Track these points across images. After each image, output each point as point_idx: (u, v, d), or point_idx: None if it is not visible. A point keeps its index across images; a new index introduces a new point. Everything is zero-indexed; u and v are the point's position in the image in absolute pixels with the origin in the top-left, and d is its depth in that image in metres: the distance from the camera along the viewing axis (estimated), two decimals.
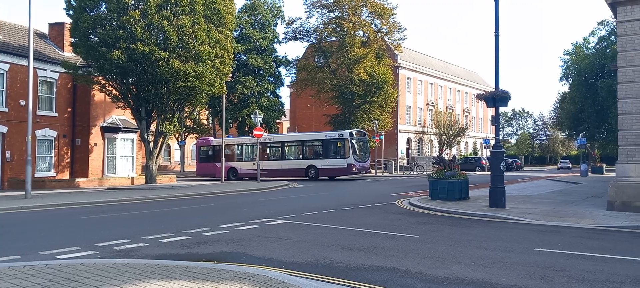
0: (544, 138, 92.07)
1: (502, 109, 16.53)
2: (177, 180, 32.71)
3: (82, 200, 17.67)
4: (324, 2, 45.47)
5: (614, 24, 19.69)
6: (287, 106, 64.73)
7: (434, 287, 6.10)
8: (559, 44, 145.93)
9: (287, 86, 57.24)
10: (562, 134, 67.27)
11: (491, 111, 15.76)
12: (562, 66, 47.49)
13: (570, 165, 62.49)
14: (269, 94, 47.63)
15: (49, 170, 27.62)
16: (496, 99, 14.53)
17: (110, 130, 29.51)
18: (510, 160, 56.06)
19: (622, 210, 13.17)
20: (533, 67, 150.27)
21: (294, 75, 50.41)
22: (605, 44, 40.76)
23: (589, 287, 6.10)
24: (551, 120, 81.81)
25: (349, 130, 33.94)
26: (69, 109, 28.44)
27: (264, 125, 43.21)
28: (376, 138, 41.59)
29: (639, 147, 13.21)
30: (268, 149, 36.35)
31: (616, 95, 14.03)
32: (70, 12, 24.81)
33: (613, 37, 36.70)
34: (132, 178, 29.41)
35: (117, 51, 23.19)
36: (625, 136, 13.48)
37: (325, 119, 45.52)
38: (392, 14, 45.64)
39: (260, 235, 9.84)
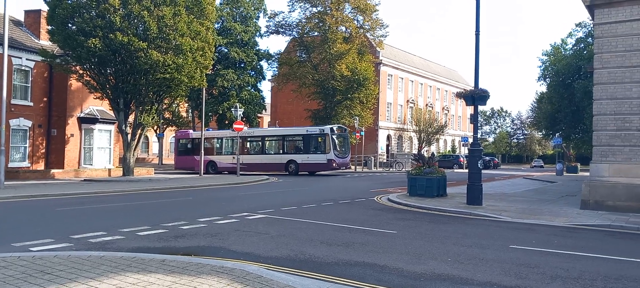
0: (522, 137, 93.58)
1: (481, 108, 16.76)
2: (155, 173, 32.32)
3: (57, 192, 17.35)
4: None
5: (591, 25, 20.09)
6: (268, 100, 64.43)
7: (411, 282, 6.16)
8: (538, 44, 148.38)
9: (269, 80, 57.04)
10: (539, 133, 68.46)
11: (470, 110, 15.93)
12: (540, 66, 48.29)
13: (542, 165, 63.93)
14: (250, 88, 47.34)
15: (23, 160, 27.03)
16: (475, 97, 14.68)
17: (88, 121, 28.99)
18: (487, 158, 56.88)
19: (595, 209, 13.47)
20: (512, 67, 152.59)
21: (276, 69, 50.22)
22: (582, 45, 41.52)
23: (562, 283, 6.23)
24: (529, 120, 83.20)
25: (330, 126, 33.97)
26: (45, 99, 27.84)
27: (244, 119, 42.95)
28: (357, 134, 41.75)
29: (613, 148, 13.52)
30: (248, 143, 36.17)
31: (592, 96, 14.32)
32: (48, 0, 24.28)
33: (590, 39, 37.43)
34: (109, 170, 28.97)
35: (94, 39, 22.76)
36: (600, 136, 13.77)
37: (306, 114, 45.50)
38: (375, 11, 45.79)
39: (239, 230, 9.80)
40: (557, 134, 45.06)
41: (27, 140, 27.15)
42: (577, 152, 52.93)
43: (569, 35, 45.38)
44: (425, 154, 34.75)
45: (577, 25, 43.55)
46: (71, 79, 27.04)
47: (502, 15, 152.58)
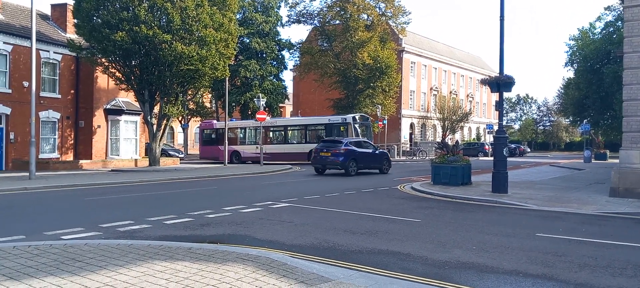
0: (548, 124, 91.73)
1: (506, 95, 16.51)
2: (181, 163, 32.81)
3: (86, 182, 17.76)
4: None
5: (621, 9, 19.50)
6: (290, 90, 64.55)
7: (435, 270, 6.13)
8: (564, 29, 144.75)
9: (291, 70, 57.11)
10: (566, 120, 66.94)
11: (495, 96, 15.71)
12: (567, 52, 47.10)
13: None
14: (272, 78, 47.51)
15: (53, 151, 27.73)
16: (500, 84, 14.45)
17: (114, 112, 29.55)
18: (513, 145, 55.92)
19: (624, 196, 13.17)
20: (538, 53, 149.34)
21: (297, 59, 50.21)
22: (611, 29, 40.36)
23: (590, 272, 6.12)
24: (555, 106, 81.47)
25: (352, 115, 33.86)
26: (72, 91, 28.45)
27: (267, 108, 43.17)
28: (379, 123, 41.54)
29: None
30: (271, 133, 36.35)
31: (621, 81, 13.94)
32: None
33: (619, 22, 36.33)
34: (136, 160, 29.51)
35: (120, 33, 23.10)
36: (630, 122, 13.42)
37: (328, 103, 45.43)
38: None
39: (263, 218, 9.89)
40: (585, 121, 44.01)
41: (56, 132, 27.82)
42: (605, 138, 51.60)
43: (598, 19, 44.10)
44: (450, 142, 34.42)
45: (606, 8, 42.33)
46: (97, 71, 27.55)
47: (529, 0, 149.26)
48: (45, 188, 15.93)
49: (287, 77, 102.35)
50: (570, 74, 50.05)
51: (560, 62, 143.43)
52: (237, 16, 40.33)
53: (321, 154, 22.52)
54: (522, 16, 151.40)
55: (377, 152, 24.46)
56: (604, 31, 41.87)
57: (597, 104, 40.57)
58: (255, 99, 34.90)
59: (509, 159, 15.43)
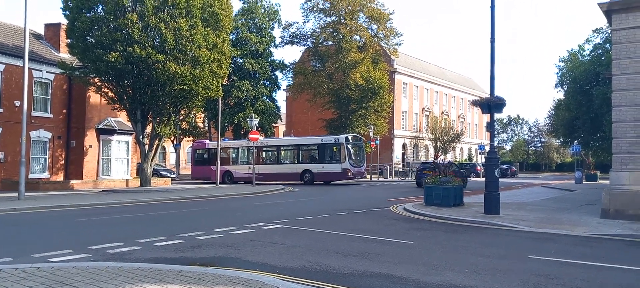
0: (539, 145, 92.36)
1: (497, 116, 16.63)
2: (172, 183, 32.61)
3: (76, 203, 17.58)
4: (321, 7, 45.56)
5: (609, 31, 19.83)
6: (283, 110, 64.67)
7: None
8: (554, 50, 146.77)
9: (284, 90, 57.27)
10: (557, 141, 67.39)
11: (486, 117, 15.81)
12: (557, 73, 47.57)
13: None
14: (265, 98, 47.58)
15: (43, 171, 27.49)
16: (491, 105, 14.57)
17: (106, 132, 29.42)
18: (505, 166, 56.15)
19: (615, 218, 13.22)
20: (528, 74, 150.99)
21: (291, 79, 50.42)
22: (600, 51, 40.88)
23: None
24: (546, 127, 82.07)
25: (345, 135, 33.94)
26: (64, 111, 28.34)
27: (259, 129, 43.11)
28: (372, 143, 41.64)
29: (633, 155, 13.27)
30: (264, 153, 36.31)
31: (611, 102, 14.10)
32: (67, 12, 24.68)
33: (608, 44, 36.88)
34: (127, 180, 29.31)
35: (114, 53, 23.13)
36: (619, 144, 13.54)
37: (321, 124, 45.54)
38: (389, 19, 45.78)
39: (255, 240, 9.82)
40: (576, 142, 44.34)
41: (47, 152, 27.63)
42: (596, 159, 51.95)
43: (586, 41, 44.65)
44: (442, 162, 34.54)
45: (594, 31, 42.86)
46: (90, 90, 27.49)
47: (518, 22, 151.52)
48: (34, 209, 15.73)
49: (280, 97, 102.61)
50: (560, 95, 50.51)
51: (550, 83, 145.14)
52: (231, 36, 40.52)
53: (424, 171, 28.23)
54: (513, 38, 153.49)
55: (461, 170, 30.51)
56: (593, 53, 42.40)
57: (587, 125, 40.90)
58: (248, 119, 34.89)
59: (500, 180, 15.48)
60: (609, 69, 14.46)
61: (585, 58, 44.11)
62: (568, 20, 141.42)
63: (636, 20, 13.30)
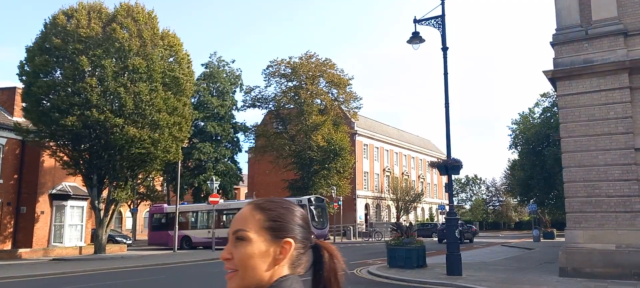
0: (497, 204, 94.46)
1: (455, 176, 17.02)
2: (128, 250, 31.34)
3: (23, 273, 16.57)
4: (282, 72, 46.51)
5: (555, 96, 20.98)
6: (245, 172, 64.22)
7: None
8: (508, 113, 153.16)
9: (246, 152, 57.11)
10: (514, 199, 69.20)
11: (445, 178, 16.19)
12: (510, 135, 49.62)
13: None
14: (226, 160, 47.25)
15: None
16: (448, 167, 14.94)
17: (60, 197, 28.29)
18: (467, 225, 56.82)
19: (573, 276, 13.47)
20: (484, 136, 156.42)
21: (253, 141, 50.47)
22: (548, 114, 43.05)
23: None
24: (503, 187, 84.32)
25: (308, 197, 33.81)
26: (15, 176, 27.22)
27: (220, 191, 42.52)
28: (334, 204, 41.61)
29: (585, 214, 13.74)
30: (224, 216, 35.59)
31: (561, 163, 14.71)
32: (23, 77, 24.29)
33: (555, 108, 38.90)
34: (81, 248, 28.00)
35: (71, 117, 22.67)
36: (572, 203, 14.02)
37: (283, 185, 45.36)
38: (348, 84, 47.08)
39: None
40: (532, 200, 45.66)
41: None
42: (552, 217, 53.47)
43: (536, 105, 47.06)
44: (404, 223, 34.71)
45: (542, 95, 45.31)
46: (44, 155, 26.63)
47: (474, 87, 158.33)
48: None
49: (242, 159, 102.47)
50: (515, 155, 52.36)
51: (505, 144, 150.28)
52: (193, 100, 40.59)
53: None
54: (468, 101, 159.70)
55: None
56: (543, 116, 44.59)
57: (541, 184, 42.33)
58: (208, 182, 34.41)
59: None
60: (558, 131, 15.19)
61: (535, 120, 46.20)
62: (521, 84, 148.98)
63: (578, 87, 14.15)
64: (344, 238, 43.76)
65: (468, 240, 39.70)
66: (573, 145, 14.10)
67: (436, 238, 44.39)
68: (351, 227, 46.91)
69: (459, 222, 50.37)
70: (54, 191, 28.10)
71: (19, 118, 27.67)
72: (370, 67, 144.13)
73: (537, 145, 42.71)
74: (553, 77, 14.60)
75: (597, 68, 13.87)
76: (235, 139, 48.96)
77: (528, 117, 47.92)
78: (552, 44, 14.82)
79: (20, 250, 25.37)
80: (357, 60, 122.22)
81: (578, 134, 14.04)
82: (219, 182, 34.98)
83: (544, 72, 14.77)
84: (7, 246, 26.62)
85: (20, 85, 25.44)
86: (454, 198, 15.87)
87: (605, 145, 13.70)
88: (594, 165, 13.76)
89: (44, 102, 24.03)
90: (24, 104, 24.87)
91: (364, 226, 54.26)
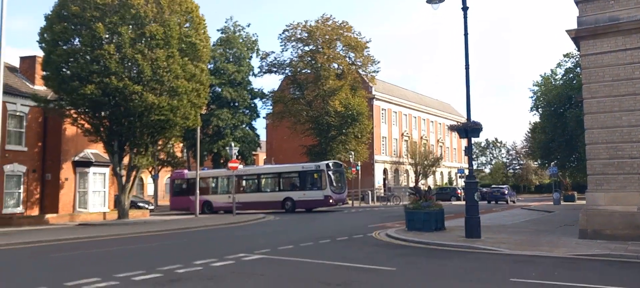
0: (518, 167, 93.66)
1: (475, 139, 16.86)
2: (151, 215, 32.06)
3: (52, 238, 17.12)
4: (299, 36, 46.13)
5: (579, 56, 20.44)
6: (263, 138, 64.64)
7: None
8: (529, 74, 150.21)
9: (263, 118, 57.33)
10: (535, 163, 68.49)
11: (464, 142, 16.05)
12: (531, 97, 48.66)
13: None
14: (244, 126, 47.54)
15: (17, 206, 26.79)
16: (468, 130, 14.78)
17: (82, 164, 28.90)
18: (484, 189, 56.39)
19: (593, 238, 13.41)
20: (505, 98, 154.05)
21: (270, 107, 50.58)
22: (571, 75, 42.06)
23: None
24: (524, 150, 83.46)
25: (326, 162, 33.96)
26: (39, 144, 27.81)
27: (239, 157, 42.91)
28: (353, 169, 41.75)
29: (607, 176, 13.56)
30: (244, 182, 36.05)
31: (584, 125, 14.45)
32: (43, 45, 24.49)
33: (578, 69, 37.98)
34: (104, 213, 28.72)
35: (90, 85, 22.90)
36: (593, 165, 13.83)
37: (301, 150, 45.60)
38: (366, 48, 46.54)
39: (235, 272, 9.67)
40: (553, 163, 45.14)
41: (21, 186, 26.98)
42: (573, 180, 52.85)
43: (558, 66, 45.96)
44: (423, 187, 34.75)
45: (565, 55, 44.17)
46: (65, 123, 27.09)
47: (493, 47, 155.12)
48: (7, 246, 15.26)
49: (260, 125, 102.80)
50: (536, 118, 51.53)
51: (526, 106, 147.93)
52: (209, 66, 40.64)
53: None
54: (488, 63, 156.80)
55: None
56: (565, 77, 43.59)
57: (563, 147, 41.75)
58: (227, 148, 34.74)
59: (482, 203, 15.63)
60: (581, 92, 14.86)
61: (557, 82, 45.23)
62: (542, 45, 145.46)
63: (603, 46, 13.75)
64: (362, 202, 44.03)
65: (505, 202, 44.33)
66: (596, 107, 13.81)
67: (456, 202, 44.42)
68: (369, 192, 47.13)
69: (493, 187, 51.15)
70: (76, 158, 28.70)
71: (40, 86, 28.09)
72: (388, 33, 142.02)
73: (558, 107, 41.93)
74: (576, 36, 14.20)
75: (623, 26, 13.44)
76: (252, 105, 49.11)
77: (550, 79, 46.90)
78: (576, 2, 14.36)
79: (47, 216, 26.13)
80: (374, 27, 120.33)
81: (601, 95, 13.73)
82: (237, 148, 35.29)
83: (567, 31, 14.37)
84: (35, 212, 27.43)
85: (41, 53, 25.70)
86: (473, 162, 15.75)
87: (629, 105, 13.39)
88: (617, 127, 13.49)
89: (64, 69, 24.26)
90: (44, 73, 25.16)
91: (382, 191, 54.47)
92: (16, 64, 30.29)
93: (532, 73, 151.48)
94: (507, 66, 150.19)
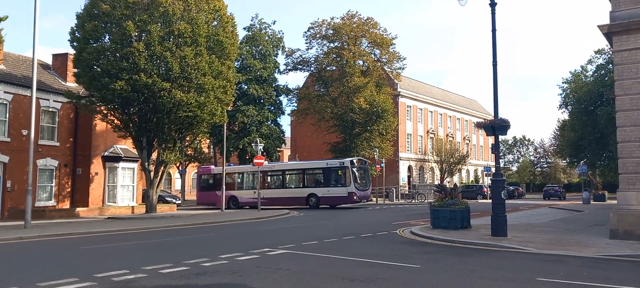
0: (545, 165, 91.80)
1: (502, 137, 16.65)
2: (178, 209, 32.61)
3: (82, 230, 17.59)
4: (324, 34, 46.13)
5: (611, 52, 19.92)
6: (288, 134, 64.87)
7: None
8: (558, 72, 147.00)
9: (288, 115, 57.57)
10: (563, 161, 67.06)
11: (491, 139, 15.84)
12: (561, 94, 47.69)
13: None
14: (269, 123, 47.82)
15: (50, 199, 27.60)
16: (495, 127, 14.59)
17: (112, 159, 29.59)
18: (511, 187, 55.74)
19: (624, 238, 13.09)
20: (533, 95, 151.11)
21: (295, 104, 50.75)
22: (603, 72, 41.03)
23: None
24: (552, 148, 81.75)
25: (350, 158, 33.95)
26: (71, 139, 28.57)
27: (264, 153, 43.24)
28: (377, 166, 41.59)
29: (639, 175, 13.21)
30: (269, 177, 36.32)
31: (615, 122, 14.10)
32: (75, 43, 25.14)
33: (610, 65, 37.01)
34: (133, 207, 29.34)
35: (120, 82, 23.40)
36: (626, 164, 13.49)
37: (326, 147, 45.64)
38: (392, 44, 46.26)
39: (260, 266, 9.78)
40: (582, 162, 44.14)
41: (53, 180, 27.77)
42: (603, 179, 51.61)
43: (589, 62, 44.89)
44: (448, 185, 34.42)
45: (596, 52, 43.14)
46: (96, 118, 27.75)
47: (522, 45, 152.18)
48: (40, 238, 15.76)
49: (285, 121, 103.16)
50: (565, 116, 50.46)
51: (554, 104, 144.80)
52: (236, 63, 40.98)
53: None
54: (516, 60, 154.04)
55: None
56: (596, 74, 42.54)
57: (593, 145, 40.81)
58: (253, 144, 35.01)
59: (507, 201, 15.41)
60: (613, 89, 14.50)
61: (588, 79, 44.20)
62: (571, 42, 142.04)
63: (637, 42, 13.39)
64: (386, 199, 43.83)
65: (557, 199, 47.17)
66: (629, 103, 13.45)
67: (482, 200, 43.85)
68: (394, 189, 46.87)
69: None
70: (106, 153, 29.39)
71: (71, 83, 28.82)
72: (415, 28, 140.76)
73: (589, 105, 40.97)
74: (609, 32, 13.86)
75: None
76: (277, 102, 49.33)
77: (580, 76, 45.85)
78: None
79: (78, 209, 26.84)
80: (402, 22, 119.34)
81: (634, 92, 13.37)
82: (263, 144, 35.55)
83: (599, 26, 14.03)
84: (66, 205, 28.21)
85: (72, 51, 26.36)
86: (500, 160, 15.53)
87: None
88: None
89: (95, 67, 24.84)
90: (75, 70, 25.81)
91: (407, 188, 54.10)
92: (49, 61, 31.14)
93: (562, 69, 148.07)
94: (537, 62, 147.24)
